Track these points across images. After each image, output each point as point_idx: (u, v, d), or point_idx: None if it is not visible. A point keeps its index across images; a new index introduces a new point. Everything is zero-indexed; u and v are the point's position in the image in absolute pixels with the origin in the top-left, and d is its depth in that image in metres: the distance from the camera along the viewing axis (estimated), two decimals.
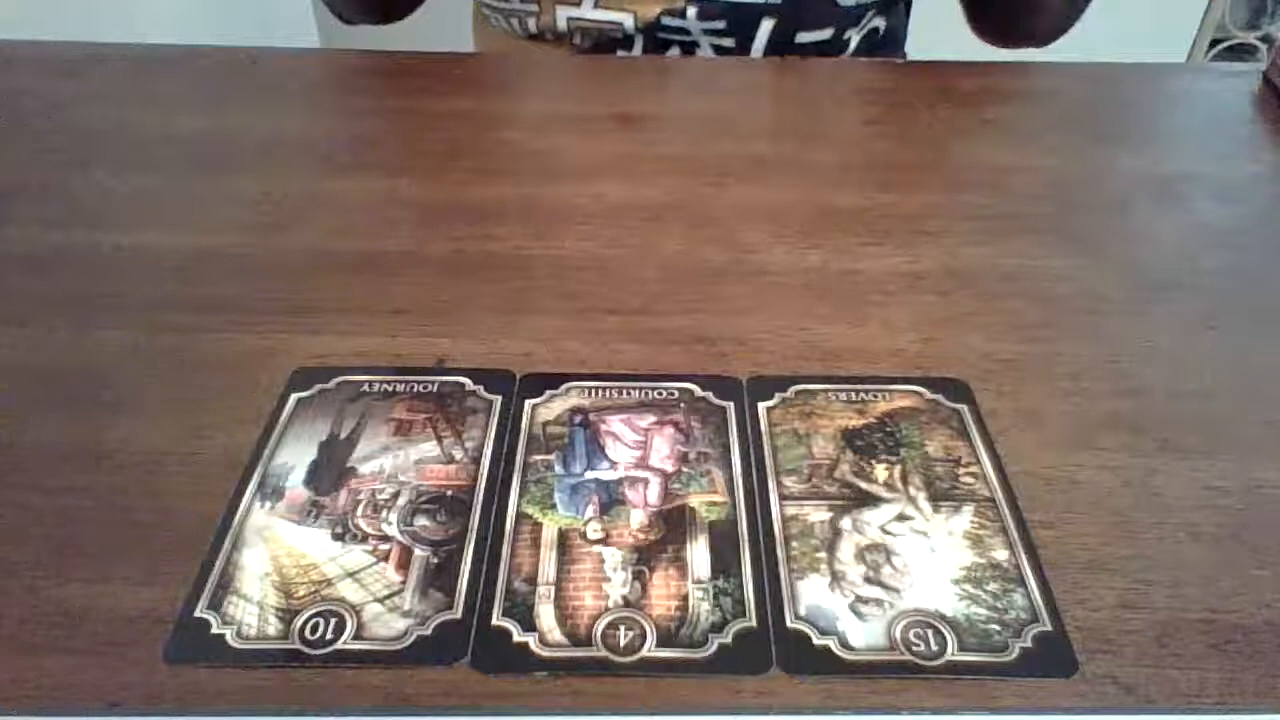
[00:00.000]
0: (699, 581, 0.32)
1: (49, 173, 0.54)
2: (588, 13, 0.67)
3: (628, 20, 0.66)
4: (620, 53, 0.69)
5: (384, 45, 0.67)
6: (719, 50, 0.68)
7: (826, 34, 0.67)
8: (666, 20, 0.66)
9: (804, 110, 0.62)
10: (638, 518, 0.34)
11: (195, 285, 0.45)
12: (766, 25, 0.66)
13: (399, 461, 0.36)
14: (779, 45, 0.67)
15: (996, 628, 0.31)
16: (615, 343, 0.42)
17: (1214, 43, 1.78)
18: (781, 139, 0.58)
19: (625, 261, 0.47)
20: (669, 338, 0.42)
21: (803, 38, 0.67)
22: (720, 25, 0.66)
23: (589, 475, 0.36)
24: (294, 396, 0.39)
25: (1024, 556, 0.33)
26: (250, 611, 0.31)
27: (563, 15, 0.67)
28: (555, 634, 0.31)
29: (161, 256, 0.47)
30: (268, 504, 0.35)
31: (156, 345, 0.42)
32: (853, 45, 0.69)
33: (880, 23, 0.71)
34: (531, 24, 0.69)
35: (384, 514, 0.34)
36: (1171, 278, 0.47)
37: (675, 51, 0.68)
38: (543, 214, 0.50)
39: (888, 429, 0.38)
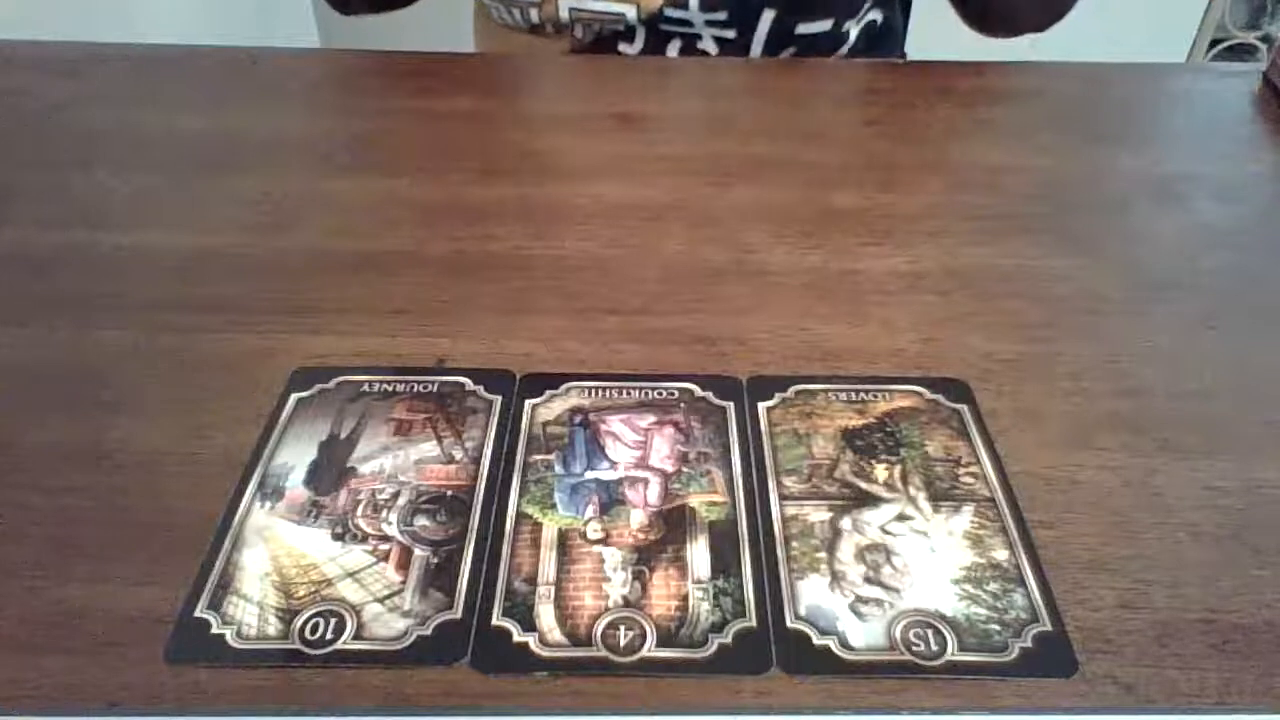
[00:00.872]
0: (699, 581, 0.32)
1: (49, 173, 0.54)
2: (590, 4, 0.67)
3: (630, 11, 0.66)
4: (622, 46, 0.69)
5: (384, 45, 0.67)
6: (720, 42, 0.68)
7: (826, 25, 0.67)
8: (669, 11, 0.66)
9: (804, 110, 0.62)
10: (638, 518, 0.34)
11: (195, 285, 0.45)
12: (768, 16, 0.66)
13: (399, 461, 0.36)
14: (779, 36, 0.67)
15: (996, 628, 0.31)
16: (615, 343, 0.42)
17: (1214, 43, 1.78)
18: (781, 139, 0.58)
19: (625, 261, 0.47)
20: (669, 338, 0.42)
21: (802, 29, 0.67)
22: (722, 16, 0.66)
23: (589, 475, 0.36)
24: (294, 396, 0.39)
25: (1024, 556, 0.33)
26: (250, 611, 0.31)
27: (565, 6, 0.67)
28: (555, 634, 0.31)
29: (161, 256, 0.47)
30: (268, 504, 0.35)
31: (156, 345, 0.42)
32: (852, 37, 0.70)
33: (877, 15, 0.71)
34: (534, 14, 0.69)
35: (384, 514, 0.34)
36: (1171, 278, 0.47)
37: (676, 44, 0.69)
38: (543, 214, 0.51)
39: (888, 429, 0.38)
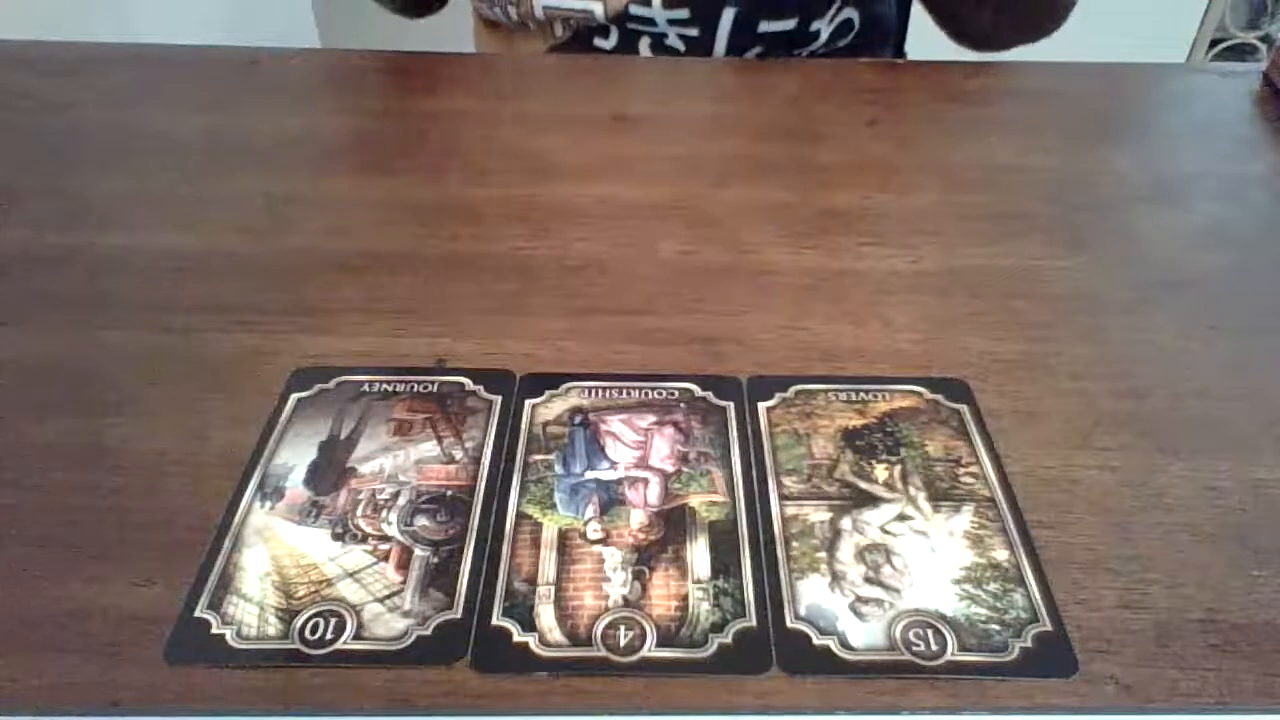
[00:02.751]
0: (699, 581, 0.32)
1: (49, 173, 0.54)
2: (562, 1, 0.67)
3: (598, 9, 0.67)
4: (597, 40, 0.70)
5: (384, 45, 0.67)
6: (685, 40, 0.68)
7: (790, 24, 0.67)
8: (634, 9, 0.66)
9: (804, 110, 0.62)
10: (638, 518, 0.34)
11: (195, 285, 0.45)
12: (729, 14, 0.66)
13: (399, 461, 0.36)
14: (742, 35, 0.67)
15: (996, 628, 0.31)
16: (615, 343, 0.42)
17: (1214, 43, 1.78)
18: (781, 139, 0.58)
19: (625, 261, 0.47)
20: (669, 338, 0.42)
21: (766, 27, 0.67)
22: (684, 14, 0.66)
23: (589, 475, 0.36)
24: (294, 396, 0.39)
25: (1024, 556, 0.33)
26: (250, 611, 0.31)
27: (539, 4, 0.68)
28: (555, 634, 0.31)
29: (161, 256, 0.47)
30: (268, 504, 0.35)
31: (156, 345, 0.42)
32: (823, 37, 0.69)
33: (852, 14, 0.70)
34: (513, 12, 0.69)
35: (384, 514, 0.34)
36: (1171, 278, 0.47)
37: (646, 41, 0.69)
38: (543, 214, 0.50)
39: (888, 429, 0.38)
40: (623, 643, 0.30)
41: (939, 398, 0.39)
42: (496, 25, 0.74)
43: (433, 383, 0.40)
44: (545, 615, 0.31)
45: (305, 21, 1.53)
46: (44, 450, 0.37)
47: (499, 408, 0.39)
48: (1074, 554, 0.34)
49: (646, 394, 0.39)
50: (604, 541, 0.34)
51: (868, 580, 0.32)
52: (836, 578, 0.32)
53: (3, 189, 0.52)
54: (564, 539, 0.34)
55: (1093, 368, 0.41)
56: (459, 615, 0.31)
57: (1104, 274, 0.47)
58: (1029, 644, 0.31)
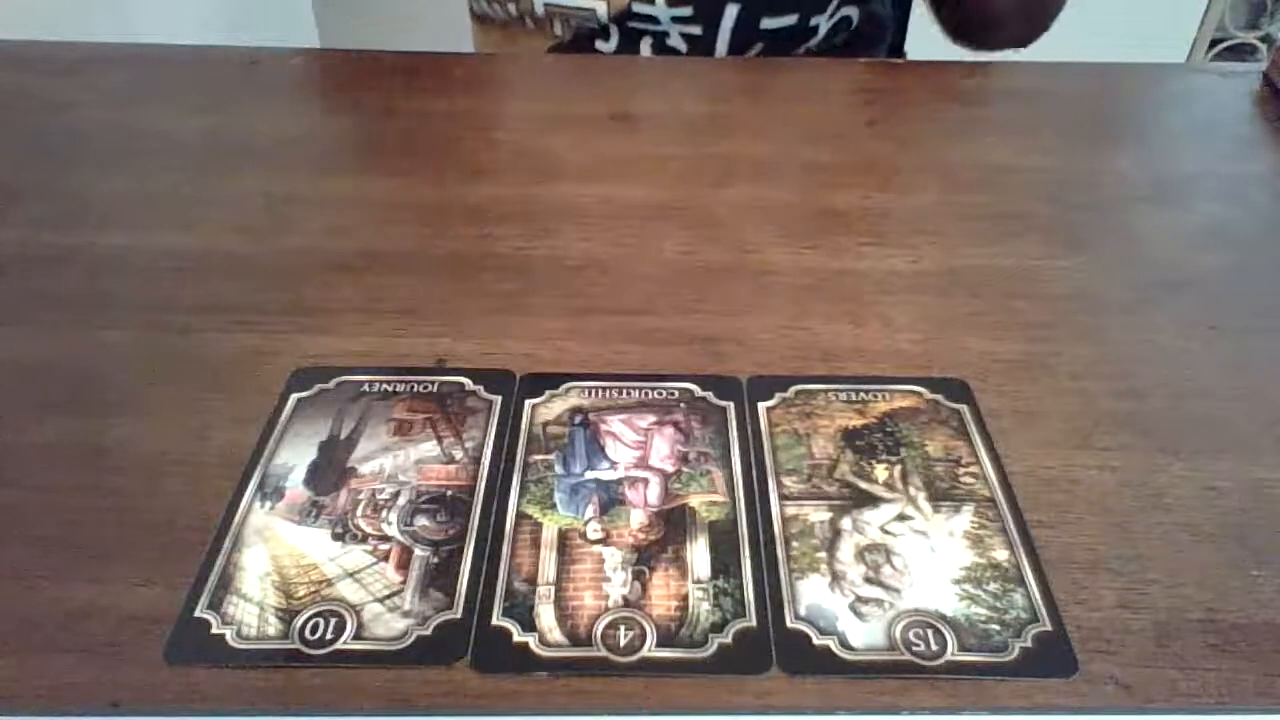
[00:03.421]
0: (699, 581, 0.32)
1: (49, 173, 0.54)
2: None
3: (600, 7, 0.67)
4: (598, 43, 0.70)
5: (384, 45, 0.67)
6: (687, 39, 0.68)
7: (791, 20, 0.67)
8: (637, 8, 0.66)
9: (804, 110, 0.62)
10: (638, 518, 0.34)
11: (195, 285, 0.45)
12: (731, 11, 0.66)
13: (399, 461, 0.36)
14: (744, 32, 0.67)
15: (996, 628, 0.31)
16: (615, 343, 0.42)
17: (1214, 43, 1.78)
18: (781, 139, 0.58)
19: (625, 261, 0.47)
20: (669, 338, 0.42)
21: (767, 24, 0.67)
22: (687, 12, 0.66)
23: (589, 475, 0.36)
24: (294, 396, 0.39)
25: (1024, 556, 0.33)
26: (250, 611, 0.31)
27: (539, 1, 0.68)
28: (555, 634, 0.31)
29: (161, 256, 0.47)
30: (268, 504, 0.35)
31: (156, 345, 0.42)
32: (821, 32, 0.69)
33: (852, 11, 0.71)
34: (512, 8, 0.69)
35: (384, 514, 0.34)
36: (1171, 278, 0.47)
37: (648, 41, 0.69)
38: (543, 214, 0.51)
39: (888, 429, 0.38)
40: (623, 643, 0.30)
41: (939, 398, 0.39)
42: (488, 22, 0.74)
43: (433, 383, 0.40)
44: (545, 615, 0.31)
45: (305, 21, 1.53)
46: (44, 450, 0.37)
47: (499, 408, 0.39)
48: (1074, 554, 0.34)
49: (646, 394, 0.39)
50: (604, 541, 0.34)
51: (868, 580, 0.32)
52: (836, 578, 0.32)
53: (2, 189, 0.52)
54: (564, 539, 0.34)
55: (1093, 368, 0.41)
56: (459, 615, 0.31)
57: (1104, 274, 0.47)
58: (1029, 644, 0.31)
